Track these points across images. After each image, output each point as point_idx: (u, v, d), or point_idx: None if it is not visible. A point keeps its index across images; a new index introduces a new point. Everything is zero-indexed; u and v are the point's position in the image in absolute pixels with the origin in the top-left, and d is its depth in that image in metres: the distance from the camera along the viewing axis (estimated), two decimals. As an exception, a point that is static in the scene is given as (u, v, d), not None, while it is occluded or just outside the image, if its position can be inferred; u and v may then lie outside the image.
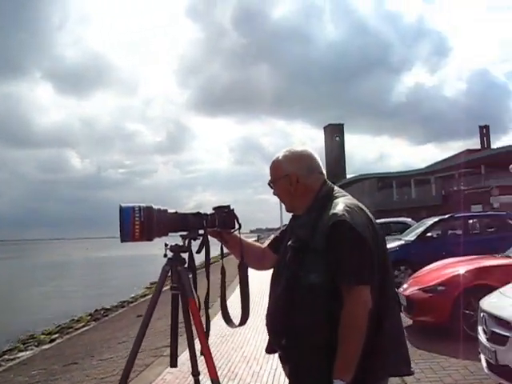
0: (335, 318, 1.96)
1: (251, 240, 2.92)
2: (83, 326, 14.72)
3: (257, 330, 8.22)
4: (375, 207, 36.49)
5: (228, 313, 2.39)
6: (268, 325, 2.28)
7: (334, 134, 71.71)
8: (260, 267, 2.53)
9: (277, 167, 2.32)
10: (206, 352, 2.23)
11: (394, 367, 2.13)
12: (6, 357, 11.92)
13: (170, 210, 2.31)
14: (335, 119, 79.80)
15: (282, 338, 2.14)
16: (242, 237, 2.48)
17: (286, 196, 2.32)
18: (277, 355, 2.31)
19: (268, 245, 2.59)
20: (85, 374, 7.46)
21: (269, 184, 2.38)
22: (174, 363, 2.45)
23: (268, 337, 2.35)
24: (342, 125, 74.20)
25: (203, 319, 2.37)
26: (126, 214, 2.17)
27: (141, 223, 2.17)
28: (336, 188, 2.31)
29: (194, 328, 2.47)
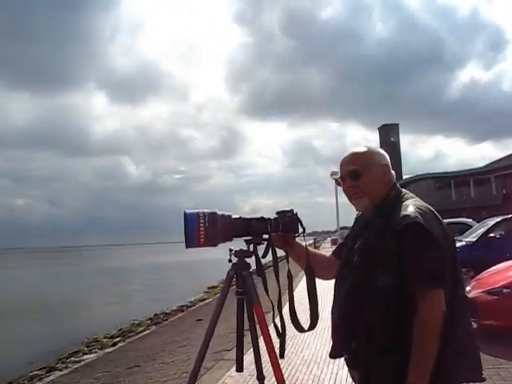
0: (407, 321, 1.91)
1: (308, 243, 2.87)
2: (144, 330, 14.97)
3: (316, 333, 8.18)
4: (433, 208, 35.56)
5: (297, 317, 2.36)
6: (334, 328, 2.22)
7: (389, 134, 70.43)
8: (326, 276, 2.46)
9: (367, 156, 2.21)
10: (273, 356, 2.22)
11: (466, 373, 2.05)
12: (72, 359, 12.25)
13: (233, 216, 2.33)
14: (388, 119, 78.50)
15: (351, 341, 2.10)
16: (298, 240, 2.46)
17: (376, 186, 2.19)
18: (338, 360, 2.28)
19: (333, 253, 2.55)
20: (147, 377, 7.60)
21: (347, 175, 2.21)
22: (239, 368, 2.46)
23: (332, 341, 2.28)
24: (397, 125, 72.81)
25: (276, 321, 2.35)
26: (190, 220, 2.19)
27: (205, 229, 2.19)
28: (404, 190, 2.25)
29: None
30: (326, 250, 52.40)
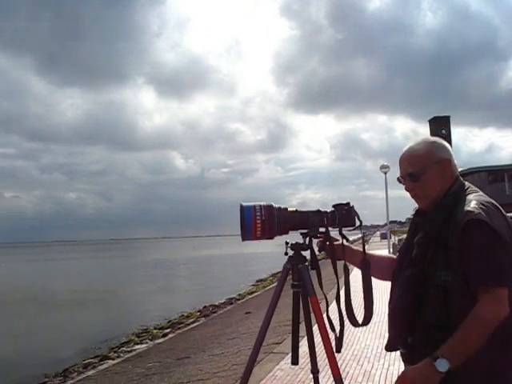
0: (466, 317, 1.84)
1: (357, 237, 2.79)
2: (193, 322, 15.15)
3: (366, 328, 8.12)
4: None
5: (353, 311, 2.33)
6: (391, 322, 2.16)
7: (440, 127, 68.78)
8: (383, 276, 2.37)
9: (426, 155, 2.13)
10: (329, 350, 2.21)
11: None
12: (123, 349, 12.56)
13: (290, 208, 2.31)
14: (438, 111, 76.60)
15: (408, 336, 2.05)
16: (345, 232, 2.40)
17: (436, 185, 2.11)
18: (389, 355, 2.25)
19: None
20: (198, 368, 7.69)
21: (407, 176, 2.16)
22: (295, 361, 2.46)
23: (388, 334, 2.26)
24: (448, 117, 70.85)
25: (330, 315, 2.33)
26: (247, 212, 2.19)
27: (262, 222, 2.18)
28: (467, 183, 2.16)
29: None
30: (375, 243, 51.82)
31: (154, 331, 14.85)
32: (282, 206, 2.29)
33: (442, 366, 1.77)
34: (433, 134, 71.59)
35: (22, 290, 30.38)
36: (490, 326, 1.80)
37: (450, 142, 71.33)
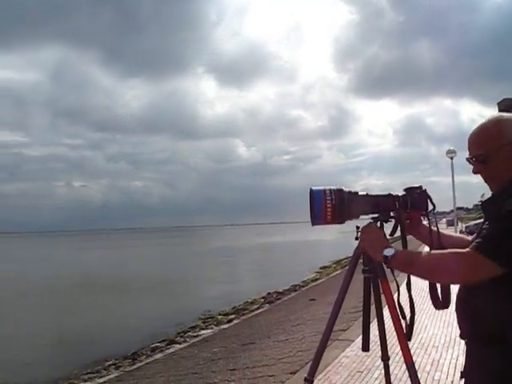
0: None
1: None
2: (257, 308, 15.29)
3: (434, 315, 7.95)
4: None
5: (437, 291, 2.22)
6: (457, 310, 2.05)
7: (510, 109, 66.10)
8: None
9: (496, 135, 1.93)
10: (401, 337, 2.15)
11: None
12: (189, 333, 12.82)
13: (360, 192, 2.26)
14: (506, 94, 73.52)
15: (465, 324, 1.98)
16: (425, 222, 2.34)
17: (508, 168, 1.92)
18: (458, 345, 2.17)
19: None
20: (263, 354, 7.73)
21: (475, 157, 2.00)
22: (366, 347, 2.41)
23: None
24: (517, 99, 68.19)
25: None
26: (317, 196, 2.13)
27: (332, 206, 2.12)
28: None
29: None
30: (441, 231, 50.30)
31: (219, 317, 15.07)
32: (353, 190, 2.23)
33: (388, 251, 1.94)
34: (502, 117, 68.92)
35: (93, 276, 31.49)
36: (443, 270, 1.82)
37: (521, 125, 68.66)
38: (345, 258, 28.69)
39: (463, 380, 1.98)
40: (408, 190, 2.29)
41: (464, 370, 1.99)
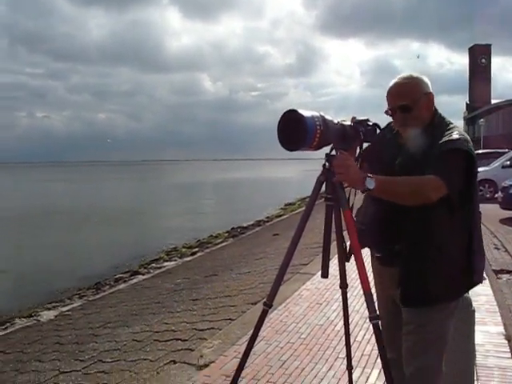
0: (447, 229, 2.28)
1: None
2: (221, 242, 15.44)
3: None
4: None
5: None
6: (376, 230, 2.45)
7: (480, 55, 66.18)
8: None
9: (415, 86, 2.39)
10: (360, 265, 2.19)
11: (481, 275, 2.45)
12: (153, 265, 12.92)
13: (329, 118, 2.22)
14: (473, 40, 73.57)
15: (393, 243, 2.38)
16: None
17: (424, 115, 2.39)
18: None
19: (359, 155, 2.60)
20: (225, 285, 7.87)
21: (398, 108, 2.38)
22: (325, 274, 2.44)
23: (368, 243, 2.54)
24: (490, 45, 68.08)
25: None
26: (309, 122, 2.05)
27: (321, 132, 2.08)
28: (444, 115, 2.46)
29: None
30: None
31: (183, 250, 15.18)
32: (328, 117, 2.19)
33: (369, 183, 2.08)
34: (472, 62, 69.19)
35: (56, 207, 31.21)
36: (421, 190, 2.15)
37: (489, 71, 69.01)
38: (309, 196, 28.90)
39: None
40: (361, 121, 2.43)
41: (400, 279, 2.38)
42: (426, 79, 2.42)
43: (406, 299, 2.37)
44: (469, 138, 2.32)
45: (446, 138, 2.25)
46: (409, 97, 2.36)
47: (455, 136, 2.26)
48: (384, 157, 2.47)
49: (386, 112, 2.45)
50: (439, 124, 2.39)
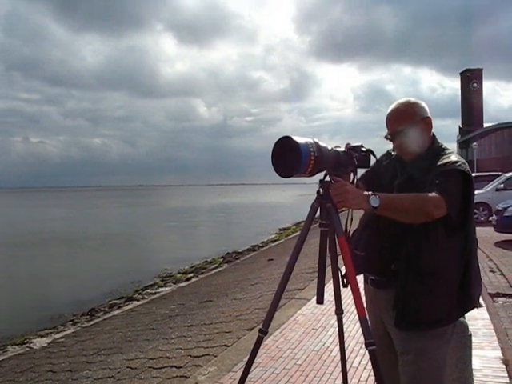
0: (447, 247, 2.31)
1: None
2: (216, 268, 15.37)
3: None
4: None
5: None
6: (373, 255, 2.49)
7: (472, 80, 66.97)
8: None
9: (412, 110, 2.44)
10: (355, 290, 2.18)
11: (477, 300, 2.47)
12: (148, 291, 12.84)
13: (323, 145, 2.23)
14: (465, 65, 74.66)
15: (391, 264, 2.40)
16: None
17: (423, 140, 2.45)
18: None
19: (361, 178, 2.67)
20: (220, 311, 7.80)
21: (396, 133, 2.44)
22: (320, 300, 2.43)
23: (363, 267, 2.56)
24: (481, 70, 69.00)
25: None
26: (303, 149, 2.05)
27: (315, 158, 2.09)
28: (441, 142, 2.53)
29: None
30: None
31: (178, 275, 15.13)
32: (322, 144, 2.20)
33: (374, 201, 2.09)
34: (464, 86, 69.93)
35: (50, 233, 31.08)
36: (423, 207, 2.16)
37: (481, 95, 69.69)
38: (304, 221, 28.96)
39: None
40: (354, 147, 2.44)
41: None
42: (423, 104, 2.47)
43: (402, 321, 2.35)
44: (466, 162, 2.37)
45: (445, 160, 2.30)
46: (407, 122, 2.41)
47: (454, 158, 2.31)
48: (382, 180, 2.54)
49: (386, 137, 2.50)
50: (437, 148, 2.45)
